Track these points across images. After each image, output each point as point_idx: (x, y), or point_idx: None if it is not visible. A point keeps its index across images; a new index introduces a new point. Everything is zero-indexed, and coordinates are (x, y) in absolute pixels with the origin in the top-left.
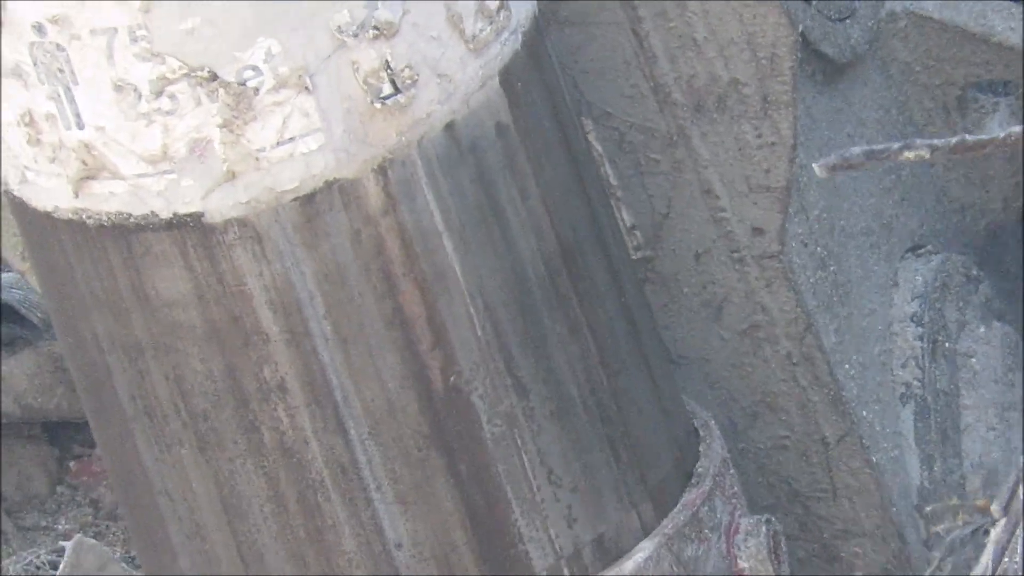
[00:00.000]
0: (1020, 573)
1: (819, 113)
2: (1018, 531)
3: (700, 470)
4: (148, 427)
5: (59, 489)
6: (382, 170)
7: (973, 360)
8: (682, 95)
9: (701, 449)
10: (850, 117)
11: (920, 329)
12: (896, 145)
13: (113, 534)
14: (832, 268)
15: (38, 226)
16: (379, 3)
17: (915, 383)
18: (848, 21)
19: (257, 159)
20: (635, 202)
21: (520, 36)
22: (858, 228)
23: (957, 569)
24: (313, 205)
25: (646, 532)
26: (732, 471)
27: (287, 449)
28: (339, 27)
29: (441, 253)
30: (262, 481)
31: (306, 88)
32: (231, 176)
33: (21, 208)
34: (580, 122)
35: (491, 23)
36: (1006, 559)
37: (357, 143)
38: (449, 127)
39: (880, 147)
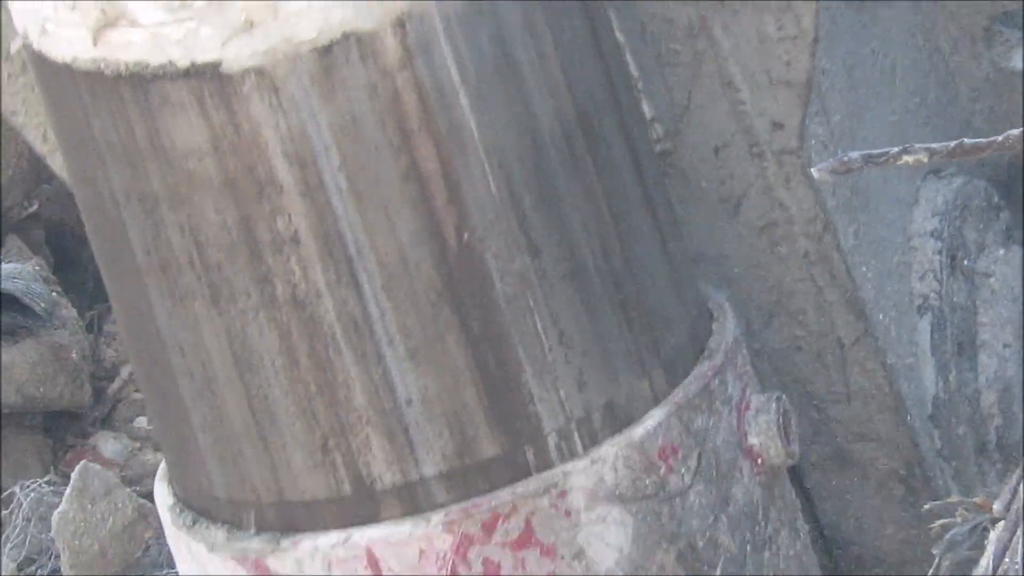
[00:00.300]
0: (1021, 574)
1: (844, 24)
2: (1019, 532)
3: (712, 345)
4: (162, 280)
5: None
6: (400, 23)
7: (991, 279)
8: None
9: (714, 327)
10: (875, 33)
11: (939, 244)
12: (895, 149)
13: None
14: (845, 187)
15: (57, 79)
16: None
17: (932, 295)
18: None
19: (275, 8)
20: (655, 94)
21: None
22: (879, 142)
23: (957, 568)
24: (330, 56)
25: (656, 400)
26: (744, 351)
27: (299, 302)
28: None
29: (457, 109)
30: (274, 334)
31: None
32: (249, 25)
33: (40, 62)
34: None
35: None
36: (1007, 560)
37: None
38: None
39: (878, 152)
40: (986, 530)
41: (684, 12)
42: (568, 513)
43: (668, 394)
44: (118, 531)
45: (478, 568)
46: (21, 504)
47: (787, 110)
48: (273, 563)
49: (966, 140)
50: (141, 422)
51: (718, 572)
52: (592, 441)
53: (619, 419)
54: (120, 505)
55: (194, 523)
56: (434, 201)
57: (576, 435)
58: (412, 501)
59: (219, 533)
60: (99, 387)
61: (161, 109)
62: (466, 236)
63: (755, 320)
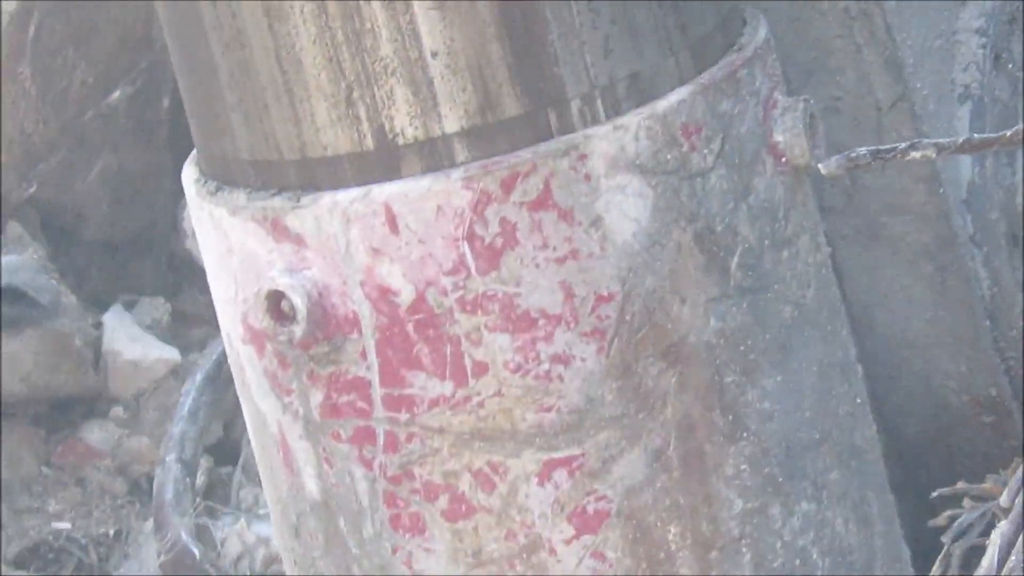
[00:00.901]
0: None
1: None
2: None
3: (743, 40)
4: None
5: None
6: None
7: None
8: None
9: (746, 29)
10: None
11: (985, 39)
12: (902, 145)
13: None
14: None
15: None
16: None
17: (974, 84)
18: None
19: None
20: None
21: None
22: None
23: (966, 555)
24: None
25: (683, 80)
26: (775, 58)
27: None
28: None
29: None
30: None
31: None
32: None
33: None
34: None
35: None
36: (1012, 557)
37: None
38: None
39: (886, 147)
40: (995, 516)
41: None
42: (588, 177)
43: (695, 76)
44: None
45: (495, 227)
46: None
47: None
48: (292, 221)
49: (974, 135)
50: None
51: (735, 260)
52: (615, 111)
53: (644, 92)
54: None
55: (217, 190)
56: None
57: (599, 102)
58: (433, 158)
59: (240, 195)
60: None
61: None
62: None
63: (793, 79)
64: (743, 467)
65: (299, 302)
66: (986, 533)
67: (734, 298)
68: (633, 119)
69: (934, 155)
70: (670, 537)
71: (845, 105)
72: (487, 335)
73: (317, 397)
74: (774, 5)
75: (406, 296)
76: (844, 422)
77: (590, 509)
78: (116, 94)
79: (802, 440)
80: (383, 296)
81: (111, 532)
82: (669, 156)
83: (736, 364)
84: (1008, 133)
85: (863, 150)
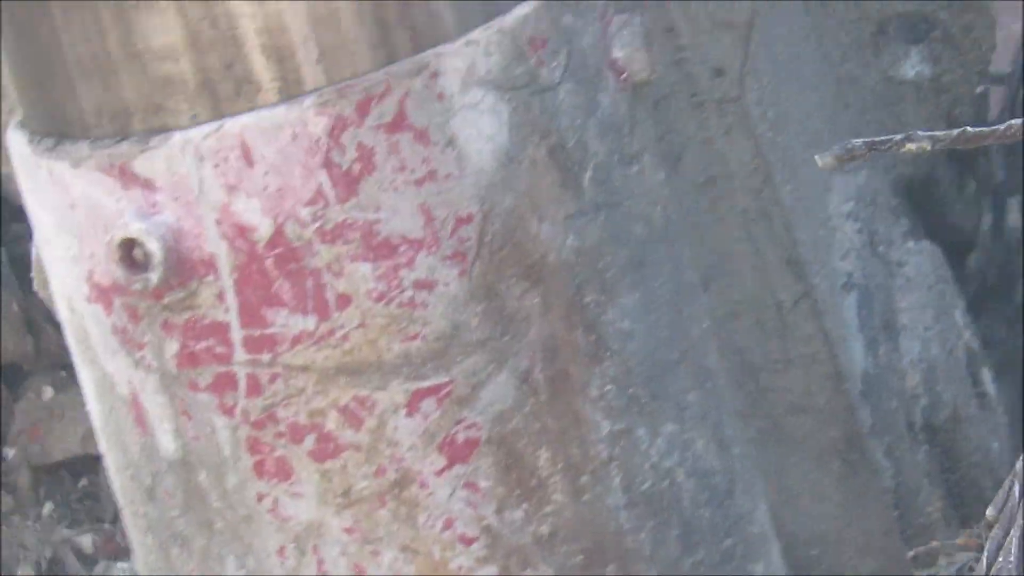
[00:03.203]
0: (1015, 574)
1: None
2: (1013, 531)
3: None
4: None
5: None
6: None
7: (906, 268)
8: None
9: None
10: (782, 18)
11: (858, 224)
12: (898, 137)
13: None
14: (780, 138)
15: None
16: None
17: (856, 273)
18: None
19: None
20: None
21: None
22: (797, 123)
23: None
24: None
25: None
26: None
27: None
28: None
29: None
30: None
31: None
32: None
33: None
34: None
35: None
36: (1000, 559)
37: None
38: None
39: (881, 139)
40: (971, 569)
41: None
42: (441, 96)
43: None
44: None
45: (352, 153)
46: None
47: (728, 55)
48: (141, 165)
49: (969, 128)
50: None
51: (588, 175)
52: (465, 28)
53: (489, 10)
54: None
55: (56, 145)
56: None
57: (448, 16)
58: (287, 89)
59: (83, 146)
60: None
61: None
62: None
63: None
64: (608, 388)
65: (154, 247)
66: None
67: (589, 214)
68: (482, 34)
69: (929, 147)
70: (540, 463)
71: (746, 308)
72: (349, 265)
73: (173, 347)
74: (673, 211)
75: (264, 231)
76: (697, 344)
77: (460, 438)
78: None
79: (662, 360)
80: (240, 234)
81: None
82: (519, 71)
83: (595, 282)
84: (1002, 127)
85: (858, 141)
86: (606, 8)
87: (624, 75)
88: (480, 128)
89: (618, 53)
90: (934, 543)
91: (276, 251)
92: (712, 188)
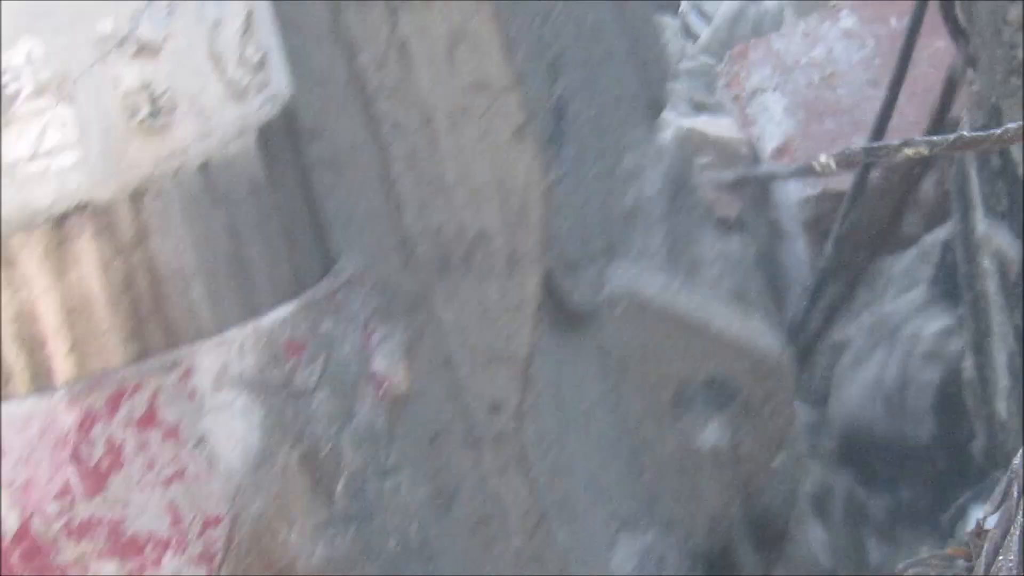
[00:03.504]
0: (1015, 572)
1: (548, 345)
2: (1013, 529)
3: (339, 268)
4: None
5: None
6: (137, 196)
7: None
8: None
9: (342, 259)
10: (574, 373)
11: None
12: (895, 142)
13: None
14: (560, 483)
15: None
16: (143, 19)
17: None
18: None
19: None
20: None
21: (280, 106)
22: (577, 475)
23: None
24: (64, 228)
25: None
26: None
27: None
28: (102, 37)
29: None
30: None
31: (66, 98)
32: None
33: None
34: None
35: (252, 75)
36: (1000, 557)
37: (113, 164)
38: (204, 167)
39: (879, 144)
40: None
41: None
42: (194, 394)
43: (296, 296)
44: None
45: (100, 448)
46: None
47: (506, 389)
48: None
49: (965, 133)
50: None
51: (340, 485)
52: (221, 325)
53: (249, 308)
54: None
55: None
56: None
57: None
58: (37, 379)
59: None
60: None
61: None
62: None
63: None
64: None
65: None
66: None
67: (340, 525)
68: (238, 334)
69: (926, 152)
70: None
71: None
72: (95, 562)
73: None
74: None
75: (11, 524)
76: None
77: None
78: None
79: None
80: None
81: None
82: (274, 373)
83: None
84: (999, 131)
85: (857, 147)
86: (369, 318)
87: (384, 387)
88: (232, 429)
89: (379, 365)
90: (922, 554)
91: (21, 546)
92: (485, 527)
